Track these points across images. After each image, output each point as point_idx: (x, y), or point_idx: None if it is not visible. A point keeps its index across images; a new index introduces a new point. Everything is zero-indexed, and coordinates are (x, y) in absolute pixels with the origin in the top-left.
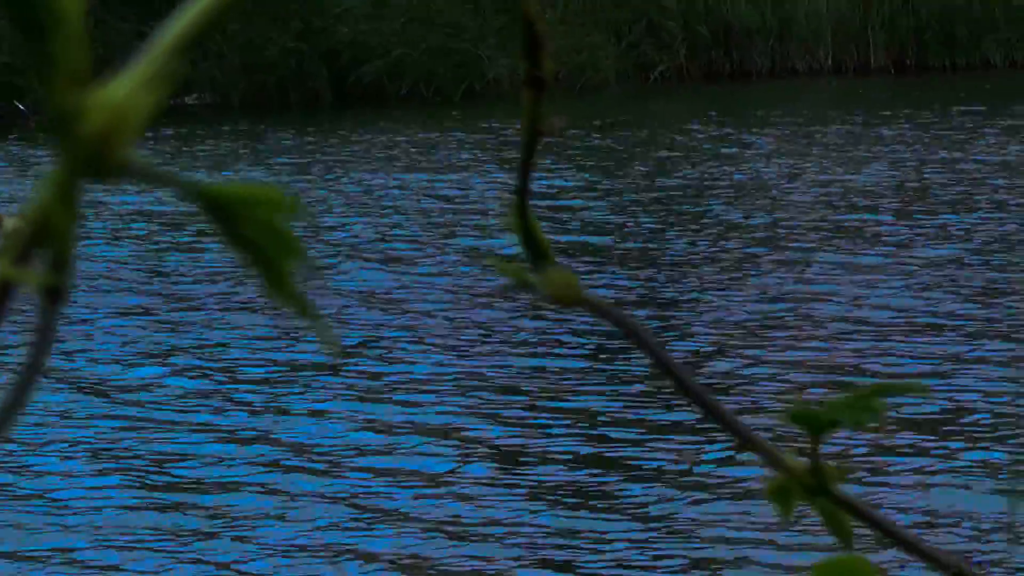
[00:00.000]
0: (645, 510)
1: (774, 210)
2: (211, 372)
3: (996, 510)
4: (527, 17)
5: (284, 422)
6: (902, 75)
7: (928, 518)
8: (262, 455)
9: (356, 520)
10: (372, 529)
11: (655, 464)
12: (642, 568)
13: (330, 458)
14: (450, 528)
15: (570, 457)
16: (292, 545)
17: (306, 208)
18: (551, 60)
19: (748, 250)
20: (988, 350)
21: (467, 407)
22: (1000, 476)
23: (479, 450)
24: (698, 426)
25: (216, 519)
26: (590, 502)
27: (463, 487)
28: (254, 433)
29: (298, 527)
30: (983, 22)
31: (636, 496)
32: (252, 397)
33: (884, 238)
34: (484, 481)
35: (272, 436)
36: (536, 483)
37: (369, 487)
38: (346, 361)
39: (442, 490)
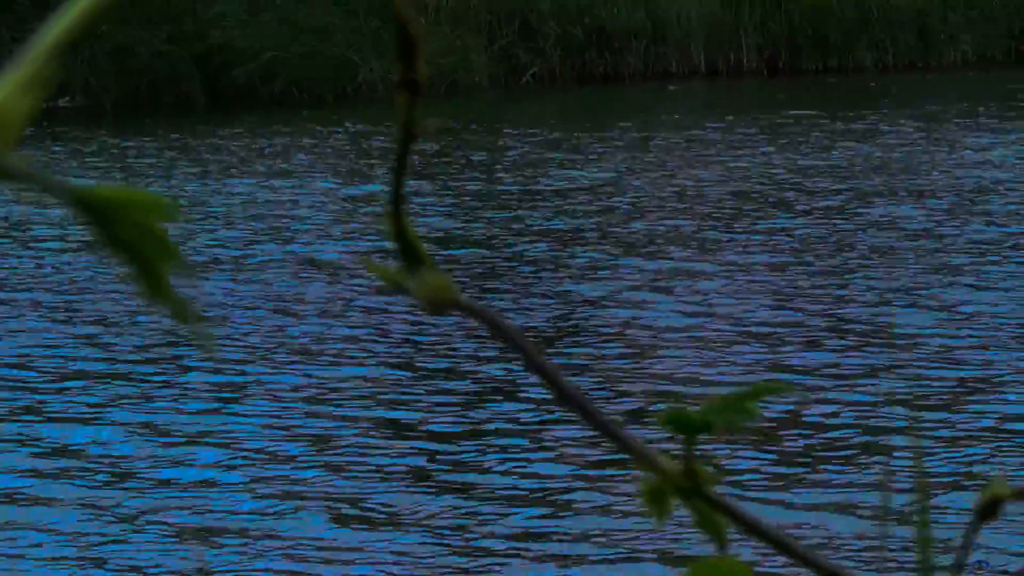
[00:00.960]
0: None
1: (631, 214)
2: None
3: (856, 527)
4: (400, 19)
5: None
6: (774, 77)
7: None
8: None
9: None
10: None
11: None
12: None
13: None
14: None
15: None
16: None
17: (183, 211)
18: (425, 62)
19: (594, 255)
20: (834, 358)
21: (314, 415)
22: (861, 487)
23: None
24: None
25: None
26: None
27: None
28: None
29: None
30: (855, 25)
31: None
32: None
33: (722, 243)
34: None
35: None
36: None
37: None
38: (208, 368)
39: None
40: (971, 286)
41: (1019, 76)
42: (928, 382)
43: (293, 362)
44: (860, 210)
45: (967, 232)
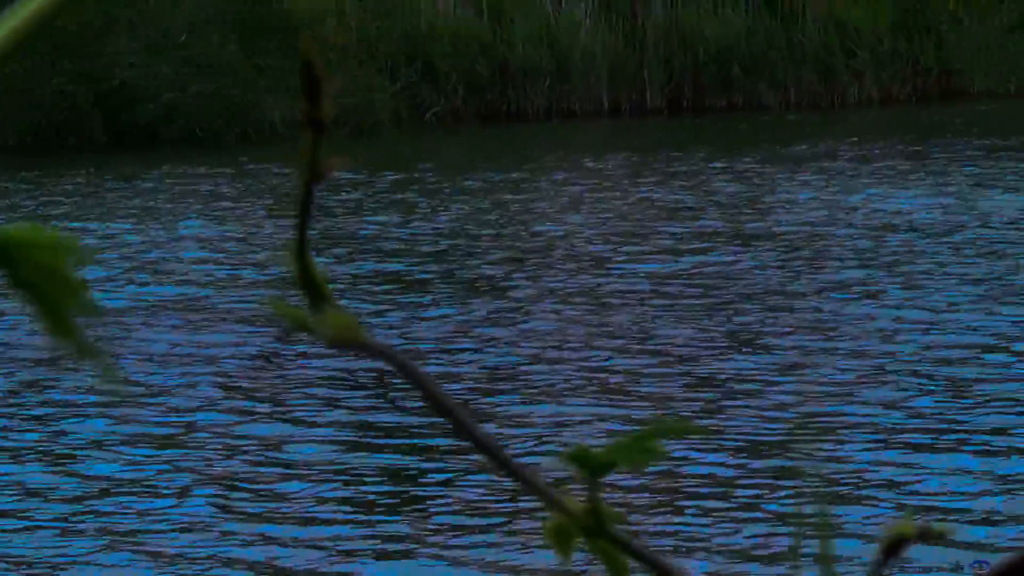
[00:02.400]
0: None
1: (532, 252)
2: None
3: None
4: (305, 59)
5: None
6: (678, 116)
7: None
8: None
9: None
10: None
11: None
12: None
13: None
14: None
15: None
16: None
17: (91, 252)
18: (330, 102)
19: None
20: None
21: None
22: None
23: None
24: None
25: None
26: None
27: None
28: None
29: None
30: (759, 64)
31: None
32: None
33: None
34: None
35: None
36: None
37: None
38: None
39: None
40: (807, 329)
41: (920, 116)
42: (766, 424)
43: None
44: (703, 250)
45: (796, 276)
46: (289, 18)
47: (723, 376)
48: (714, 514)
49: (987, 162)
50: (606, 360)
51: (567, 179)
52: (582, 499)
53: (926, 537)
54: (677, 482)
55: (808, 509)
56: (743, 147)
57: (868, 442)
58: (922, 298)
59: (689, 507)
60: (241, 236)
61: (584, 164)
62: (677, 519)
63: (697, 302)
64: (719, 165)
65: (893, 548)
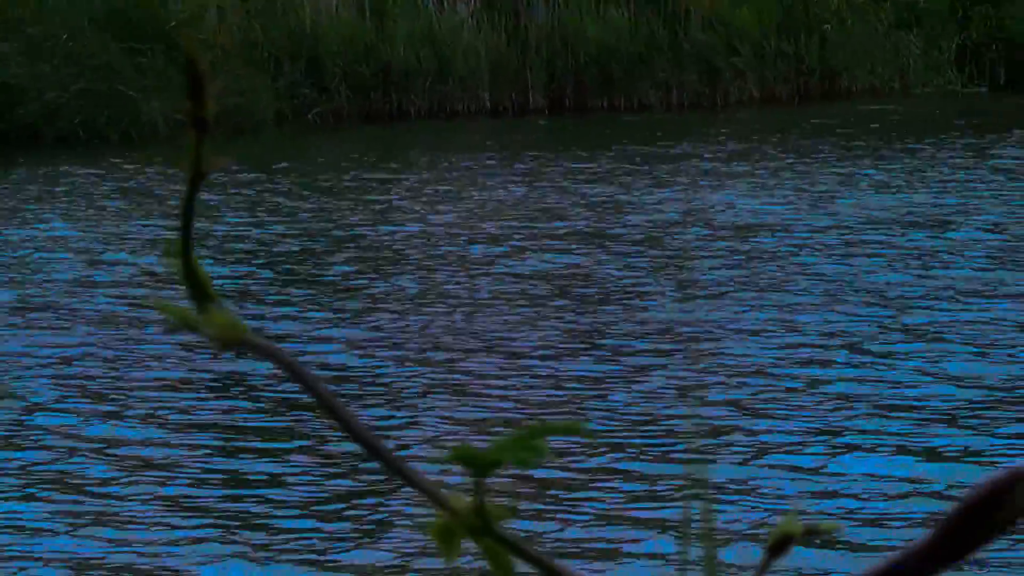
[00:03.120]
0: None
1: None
2: None
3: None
4: (189, 58)
5: None
6: (560, 116)
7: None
8: None
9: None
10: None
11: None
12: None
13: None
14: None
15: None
16: None
17: None
18: (214, 101)
19: (372, 290)
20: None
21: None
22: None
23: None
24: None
25: None
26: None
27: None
28: None
29: None
30: (640, 64)
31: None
32: None
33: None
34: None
35: None
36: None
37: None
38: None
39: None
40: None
41: (800, 115)
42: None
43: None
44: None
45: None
46: (172, 17)
47: (578, 376)
48: (584, 514)
49: (862, 161)
50: (462, 361)
51: (437, 179)
52: (468, 498)
53: (813, 535)
54: (540, 482)
55: (692, 511)
56: (617, 147)
57: (724, 444)
58: (778, 298)
59: (560, 508)
60: (107, 235)
61: (457, 164)
62: (545, 519)
63: (556, 302)
64: (590, 166)
65: (779, 547)
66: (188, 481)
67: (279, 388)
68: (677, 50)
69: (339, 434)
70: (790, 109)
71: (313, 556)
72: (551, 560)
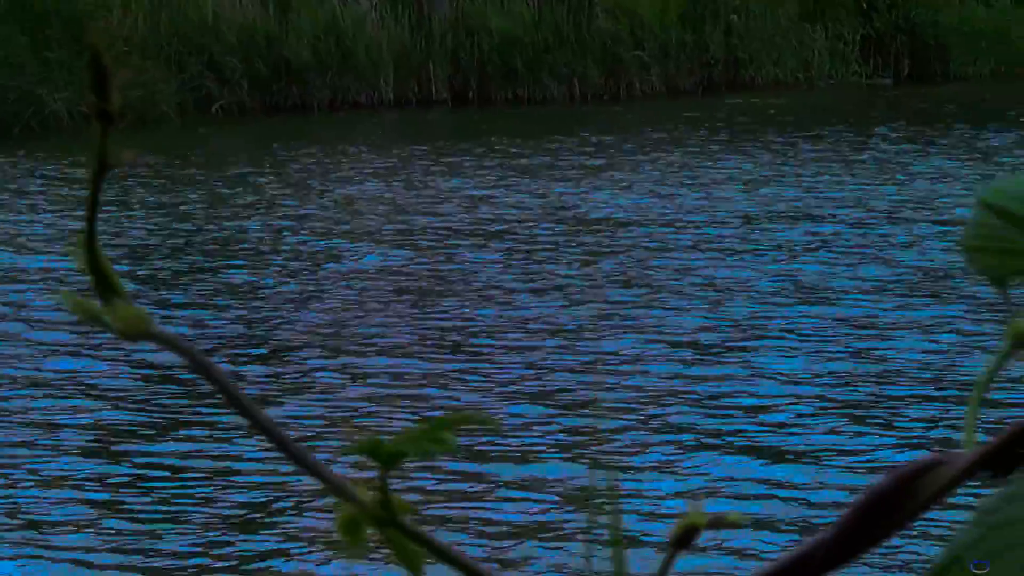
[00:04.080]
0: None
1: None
2: None
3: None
4: (93, 50)
5: None
6: (463, 108)
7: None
8: None
9: None
10: None
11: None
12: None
13: None
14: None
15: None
16: None
17: None
18: (119, 94)
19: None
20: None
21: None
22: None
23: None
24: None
25: None
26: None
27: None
28: None
29: None
30: (544, 55)
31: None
32: None
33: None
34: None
35: None
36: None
37: None
38: None
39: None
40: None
41: (701, 107)
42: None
43: None
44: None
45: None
46: (75, 9)
47: (432, 373)
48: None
49: (746, 155)
50: (313, 357)
51: (319, 172)
52: (373, 490)
53: (718, 526)
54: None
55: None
56: (506, 140)
57: (574, 444)
58: (642, 295)
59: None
60: (29, 229)
61: (342, 157)
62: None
63: (408, 298)
64: (465, 159)
65: (684, 538)
66: (80, 484)
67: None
68: (581, 41)
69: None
70: (694, 101)
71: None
72: (455, 550)
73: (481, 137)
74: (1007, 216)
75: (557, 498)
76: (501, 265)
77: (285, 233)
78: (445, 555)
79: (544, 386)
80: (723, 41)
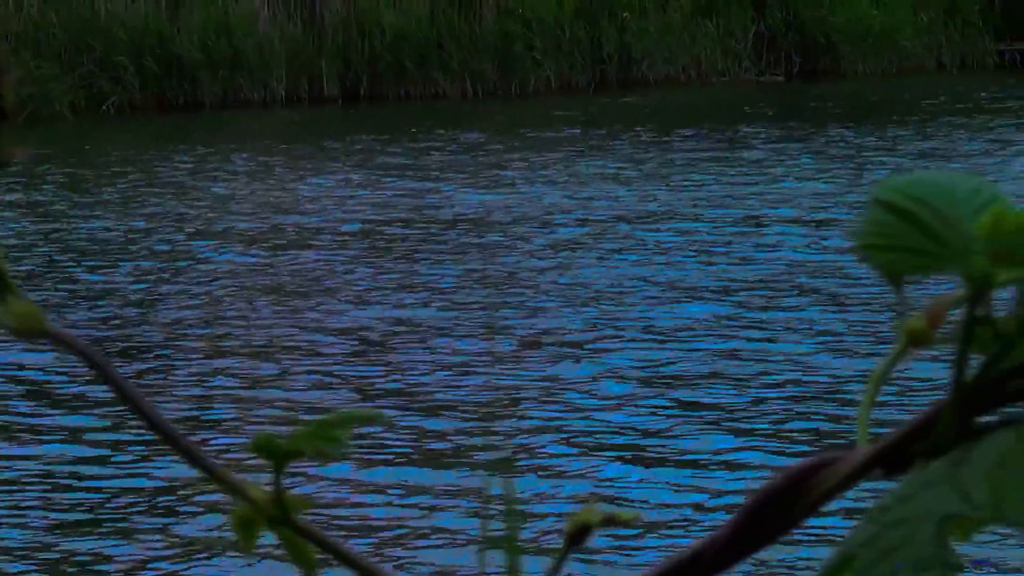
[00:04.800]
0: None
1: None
2: None
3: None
4: None
5: None
6: (355, 105)
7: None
8: None
9: None
10: None
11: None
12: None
13: None
14: None
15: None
16: None
17: None
18: (11, 90)
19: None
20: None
21: None
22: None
23: None
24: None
25: None
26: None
27: None
28: None
29: None
30: (437, 52)
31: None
32: None
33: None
34: None
35: None
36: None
37: None
38: None
39: None
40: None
41: (588, 104)
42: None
43: None
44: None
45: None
46: None
47: (291, 374)
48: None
49: (622, 153)
50: (176, 356)
51: (196, 170)
52: (267, 488)
53: (612, 524)
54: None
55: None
56: (387, 137)
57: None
58: (506, 294)
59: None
60: None
61: (225, 156)
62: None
63: (274, 297)
64: (346, 158)
65: (578, 536)
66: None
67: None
68: (474, 39)
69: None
70: (586, 98)
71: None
72: (348, 549)
73: (361, 135)
74: (902, 214)
75: (428, 500)
76: (366, 264)
77: (152, 232)
78: (340, 554)
79: (405, 386)
80: (617, 38)
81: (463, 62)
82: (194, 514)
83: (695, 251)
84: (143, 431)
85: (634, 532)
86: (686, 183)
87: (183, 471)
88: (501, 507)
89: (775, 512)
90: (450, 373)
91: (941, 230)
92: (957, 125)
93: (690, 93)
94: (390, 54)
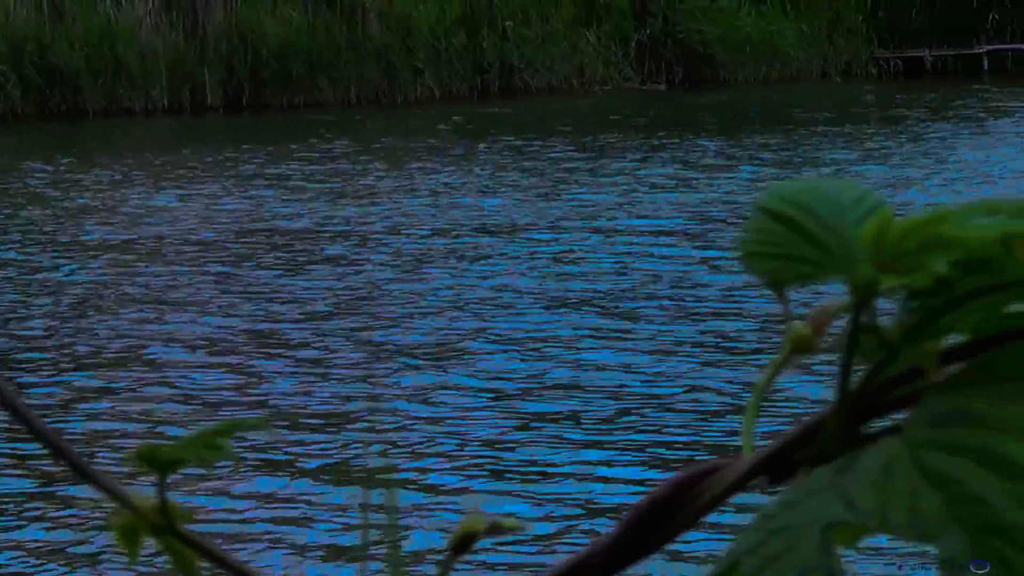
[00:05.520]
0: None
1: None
2: None
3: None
4: None
5: None
6: (237, 114)
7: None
8: None
9: None
10: None
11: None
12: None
13: None
14: None
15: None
16: None
17: None
18: None
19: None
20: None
21: None
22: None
23: None
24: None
25: None
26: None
27: None
28: None
29: None
30: (319, 61)
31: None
32: None
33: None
34: None
35: None
36: None
37: None
38: None
39: None
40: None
41: (466, 112)
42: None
43: None
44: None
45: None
46: None
47: (132, 386)
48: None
49: (500, 161)
50: (23, 368)
51: (60, 181)
52: (152, 497)
53: (497, 532)
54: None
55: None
56: (257, 147)
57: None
58: (346, 305)
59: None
60: None
61: (95, 165)
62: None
63: (120, 307)
64: (209, 168)
65: (462, 544)
66: None
67: None
68: (355, 48)
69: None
70: (469, 107)
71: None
72: (233, 558)
73: (236, 144)
74: (787, 221)
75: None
76: (220, 275)
77: (3, 244)
78: (224, 562)
79: (261, 396)
80: (499, 47)
81: (345, 71)
82: (73, 523)
83: (554, 261)
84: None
85: (487, 546)
86: (550, 192)
87: (62, 479)
88: (378, 518)
89: (659, 520)
90: (306, 383)
91: (826, 238)
92: (827, 133)
93: (571, 102)
94: (272, 63)
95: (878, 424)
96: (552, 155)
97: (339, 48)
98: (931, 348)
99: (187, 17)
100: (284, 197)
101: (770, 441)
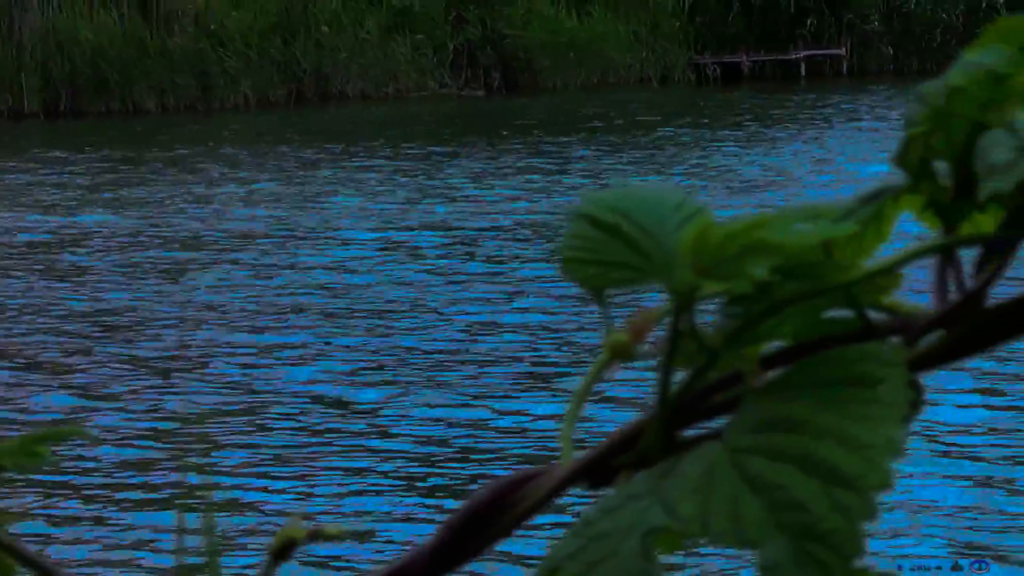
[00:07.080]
0: None
1: None
2: None
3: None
4: None
5: None
6: (55, 120)
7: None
8: None
9: None
10: None
11: None
12: None
13: None
14: None
15: None
16: None
17: None
18: None
19: None
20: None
21: None
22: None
23: None
24: None
25: None
26: None
27: None
28: None
29: None
30: (133, 68)
31: None
32: None
33: None
34: None
35: None
36: None
37: None
38: None
39: None
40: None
41: (289, 119)
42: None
43: None
44: None
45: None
46: None
47: None
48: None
49: (272, 171)
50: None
51: None
52: None
53: (318, 539)
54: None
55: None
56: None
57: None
58: (105, 318)
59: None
60: None
61: None
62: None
63: None
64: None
65: (282, 551)
66: None
67: None
68: (167, 55)
69: None
70: (285, 113)
71: None
72: (47, 561)
73: (40, 151)
74: (605, 227)
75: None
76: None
77: None
78: (36, 566)
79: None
80: (314, 54)
81: (160, 78)
82: None
83: (305, 268)
84: None
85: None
86: (324, 200)
87: None
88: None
89: (480, 525)
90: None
91: (645, 243)
92: (622, 140)
93: (384, 108)
94: (88, 69)
95: (699, 430)
96: (339, 162)
97: (151, 55)
98: (751, 354)
99: (2, 23)
100: (66, 206)
101: (590, 447)
